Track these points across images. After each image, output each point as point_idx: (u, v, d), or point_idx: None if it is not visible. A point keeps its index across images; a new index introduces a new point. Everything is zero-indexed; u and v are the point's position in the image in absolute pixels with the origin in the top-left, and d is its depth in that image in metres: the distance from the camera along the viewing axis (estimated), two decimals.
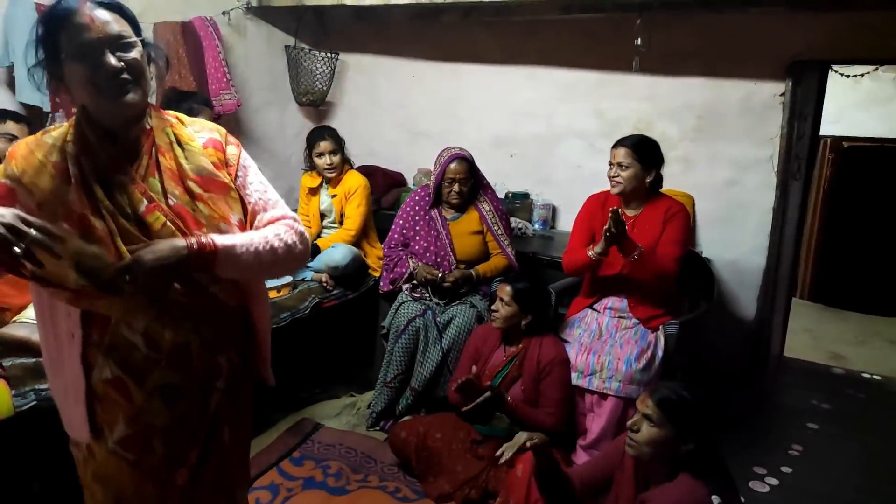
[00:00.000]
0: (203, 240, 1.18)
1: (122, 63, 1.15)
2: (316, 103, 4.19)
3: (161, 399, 1.26)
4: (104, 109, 1.18)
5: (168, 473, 1.30)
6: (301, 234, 1.35)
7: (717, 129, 3.35)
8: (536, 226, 3.73)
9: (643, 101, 3.49)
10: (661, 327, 2.53)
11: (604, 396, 2.43)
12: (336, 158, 3.26)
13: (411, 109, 4.18)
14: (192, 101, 2.89)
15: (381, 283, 3.03)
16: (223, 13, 3.75)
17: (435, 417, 2.61)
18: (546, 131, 3.79)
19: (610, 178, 2.62)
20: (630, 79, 3.44)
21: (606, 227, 2.34)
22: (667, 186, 3.37)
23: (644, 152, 2.58)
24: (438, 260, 2.91)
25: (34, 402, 1.85)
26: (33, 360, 1.94)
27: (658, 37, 3.10)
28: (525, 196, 3.80)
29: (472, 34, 3.84)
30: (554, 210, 3.82)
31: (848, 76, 3.82)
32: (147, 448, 1.27)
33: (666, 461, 1.72)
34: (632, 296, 2.58)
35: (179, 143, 1.28)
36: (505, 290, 2.48)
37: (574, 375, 2.46)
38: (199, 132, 1.33)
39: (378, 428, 2.84)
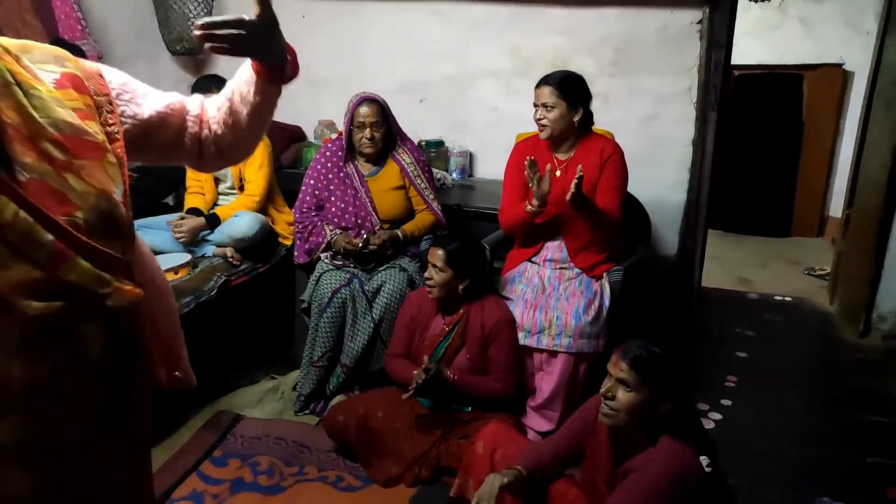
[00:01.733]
0: None
1: None
2: (193, 51, 3.67)
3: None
4: None
5: None
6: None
7: (635, 62, 3.22)
8: (454, 175, 3.51)
9: (559, 35, 3.30)
10: (604, 275, 2.41)
11: (553, 354, 2.29)
12: None
13: (305, 55, 3.62)
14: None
15: (296, 254, 2.71)
16: None
17: (373, 394, 2.38)
18: (457, 72, 3.52)
19: (536, 121, 2.42)
20: (545, 11, 3.23)
21: (528, 175, 2.20)
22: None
23: (569, 89, 2.40)
24: (359, 221, 2.63)
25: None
26: None
27: None
28: (440, 144, 3.54)
29: None
30: (471, 157, 3.60)
31: (754, 0, 3.80)
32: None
33: (643, 425, 1.60)
34: (571, 242, 2.43)
35: (21, 85, 0.82)
36: (437, 255, 2.24)
37: (521, 335, 2.29)
38: (41, 65, 0.88)
39: (308, 412, 2.58)
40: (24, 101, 0.82)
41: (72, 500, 0.91)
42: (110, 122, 0.93)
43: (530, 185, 2.23)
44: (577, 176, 2.11)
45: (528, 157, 2.19)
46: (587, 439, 1.73)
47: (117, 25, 3.50)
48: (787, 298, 3.88)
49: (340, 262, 2.61)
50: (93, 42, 3.15)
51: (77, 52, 2.58)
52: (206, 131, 1.15)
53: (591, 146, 2.46)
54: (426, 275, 2.29)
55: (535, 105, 2.41)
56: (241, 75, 1.11)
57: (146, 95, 1.06)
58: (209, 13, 3.57)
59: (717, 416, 2.60)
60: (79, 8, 3.09)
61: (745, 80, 5.46)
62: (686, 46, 3.11)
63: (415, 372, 2.18)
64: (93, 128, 0.89)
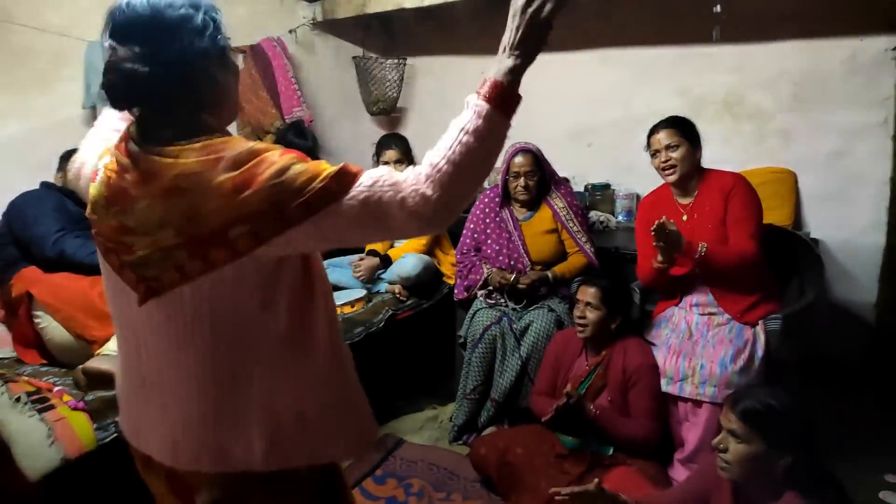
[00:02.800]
0: None
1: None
2: (387, 111, 4.17)
3: None
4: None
5: None
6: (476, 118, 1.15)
7: (818, 96, 2.99)
8: (620, 217, 3.51)
9: (731, 72, 3.19)
10: (760, 322, 2.27)
11: (698, 404, 2.21)
12: (402, 168, 3.19)
13: None
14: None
15: (456, 291, 2.94)
16: (290, 31, 3.81)
17: (516, 431, 2.48)
18: (624, 116, 3.55)
19: (660, 167, 2.43)
20: (714, 50, 3.14)
21: (656, 242, 2.19)
22: (765, 163, 3.12)
23: (687, 128, 2.42)
24: (512, 263, 2.78)
25: (115, 435, 1.91)
26: (112, 392, 2.00)
27: (742, 0, 2.80)
28: (606, 187, 3.58)
29: None
30: (638, 199, 3.56)
31: None
32: None
33: (766, 479, 1.51)
34: (715, 288, 2.34)
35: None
36: (588, 293, 2.30)
37: (664, 381, 2.25)
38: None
39: (461, 442, 2.75)
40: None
41: None
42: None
43: (656, 246, 2.23)
44: (654, 226, 2.14)
45: (656, 222, 2.19)
46: (711, 493, 1.67)
47: (327, 93, 4.12)
48: None
49: (494, 301, 2.77)
50: (306, 108, 3.75)
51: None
52: None
53: (712, 184, 2.41)
54: (577, 313, 2.34)
55: (656, 151, 2.42)
56: None
57: None
58: (401, 78, 4.04)
59: None
60: (296, 81, 3.71)
61: None
62: (879, 76, 2.82)
63: (558, 402, 2.24)
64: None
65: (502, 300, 2.76)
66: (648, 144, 2.47)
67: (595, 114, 3.63)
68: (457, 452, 2.69)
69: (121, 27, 1.02)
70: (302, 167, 0.99)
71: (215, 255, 0.98)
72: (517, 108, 1.06)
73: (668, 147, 2.36)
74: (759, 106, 3.16)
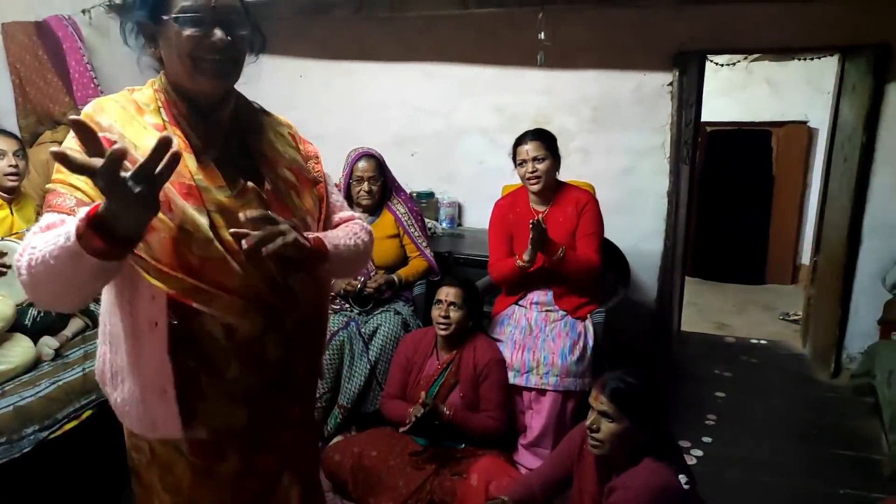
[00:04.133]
0: (316, 236, 1.20)
1: (229, 38, 1.09)
2: None
3: (237, 399, 1.18)
4: (195, 84, 1.11)
5: (242, 483, 1.24)
6: (370, 234, 1.40)
7: (612, 120, 3.47)
8: (444, 224, 3.69)
9: (541, 94, 3.54)
10: (588, 316, 2.57)
11: (542, 392, 2.42)
12: None
13: (301, 112, 3.94)
14: None
15: None
16: (83, 12, 3.36)
17: (368, 434, 2.48)
18: (446, 128, 3.74)
19: (526, 176, 2.59)
20: (527, 73, 3.47)
21: (532, 237, 2.35)
22: (568, 177, 3.45)
23: (551, 142, 2.62)
24: None
25: None
26: None
27: (553, 32, 3.13)
28: (430, 195, 3.73)
29: (364, 30, 3.70)
30: (460, 207, 3.79)
31: (718, 64, 4.09)
32: (222, 458, 1.21)
33: (626, 450, 1.73)
34: (557, 288, 2.59)
35: (271, 129, 1.25)
36: (452, 293, 2.38)
37: (511, 374, 2.43)
38: (281, 125, 1.30)
39: None
40: (272, 139, 1.24)
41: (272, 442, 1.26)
42: (316, 170, 1.31)
43: (531, 244, 2.38)
44: (532, 221, 2.30)
45: (532, 220, 2.35)
46: (575, 466, 1.85)
47: (125, 82, 3.68)
48: (763, 342, 4.05)
49: (339, 306, 2.74)
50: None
51: None
52: None
53: (567, 197, 2.65)
54: (441, 313, 2.39)
55: (523, 161, 2.58)
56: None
57: (329, 185, 1.37)
58: None
59: (699, 453, 2.72)
60: (92, 67, 3.27)
61: (717, 135, 5.77)
62: (659, 106, 3.36)
63: (411, 409, 2.29)
64: (308, 169, 1.28)
65: (347, 305, 2.74)
66: (514, 154, 2.61)
67: (419, 124, 3.77)
68: None
69: None
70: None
71: None
72: (110, 253, 0.94)
73: (534, 159, 2.54)
74: (563, 125, 3.54)
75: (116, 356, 1.19)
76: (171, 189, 1.05)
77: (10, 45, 2.98)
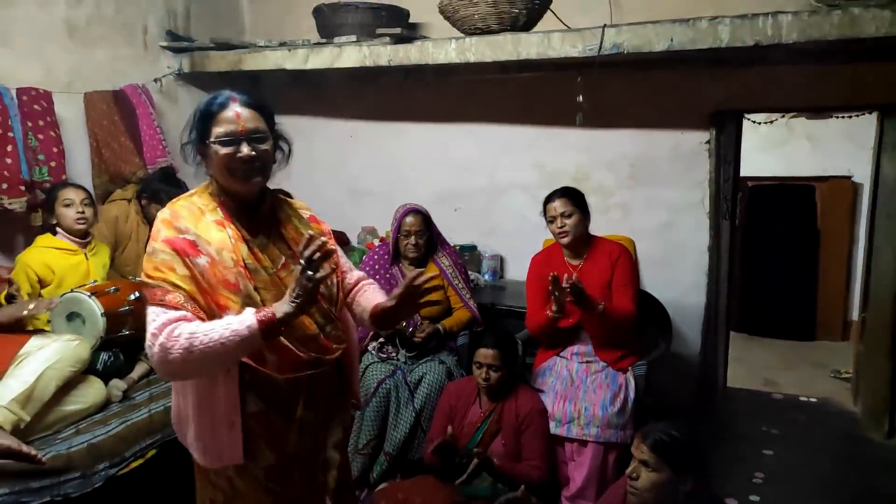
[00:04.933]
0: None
1: (255, 153, 1.43)
2: None
3: (300, 431, 1.52)
4: (233, 187, 1.46)
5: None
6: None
7: (650, 176, 3.55)
8: (486, 276, 3.78)
9: (580, 152, 3.66)
10: (629, 368, 2.60)
11: (583, 443, 2.45)
12: None
13: (351, 168, 4.19)
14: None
15: None
16: (155, 80, 3.67)
17: (413, 482, 2.53)
18: (489, 185, 3.89)
19: (556, 231, 2.70)
20: (567, 132, 3.60)
21: (551, 289, 2.42)
22: (608, 232, 3.54)
23: (578, 198, 2.73)
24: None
25: None
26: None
27: (592, 93, 3.27)
28: (472, 248, 3.85)
29: (411, 94, 3.92)
30: (502, 260, 3.89)
31: (756, 122, 4.17)
32: (289, 479, 1.52)
33: (667, 503, 1.75)
34: (597, 339, 2.64)
35: (295, 217, 1.61)
36: (490, 355, 2.44)
37: (552, 424, 2.47)
38: (301, 209, 1.67)
39: None
40: (298, 224, 1.60)
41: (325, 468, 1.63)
42: (329, 244, 1.54)
43: (552, 297, 2.46)
44: (569, 283, 2.37)
45: (551, 274, 2.43)
46: None
47: None
48: (813, 399, 3.96)
49: (385, 355, 2.83)
50: (170, 158, 3.58)
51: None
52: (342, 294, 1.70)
53: (601, 250, 2.74)
54: (482, 376, 2.45)
55: (553, 217, 2.69)
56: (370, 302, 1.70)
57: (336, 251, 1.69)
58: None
59: None
60: (161, 131, 3.54)
61: (760, 190, 5.77)
62: (697, 163, 3.43)
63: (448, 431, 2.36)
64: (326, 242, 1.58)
65: (394, 353, 2.83)
66: (545, 211, 2.73)
67: (462, 181, 3.93)
68: None
69: None
70: (162, 262, 1.41)
71: None
72: (273, 337, 1.39)
73: (562, 214, 2.64)
74: (602, 182, 3.65)
75: (187, 399, 1.50)
76: (240, 272, 1.43)
77: (91, 112, 3.26)
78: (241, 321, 1.33)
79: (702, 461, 1.76)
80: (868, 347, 3.59)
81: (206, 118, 1.45)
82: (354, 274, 1.78)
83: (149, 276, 1.38)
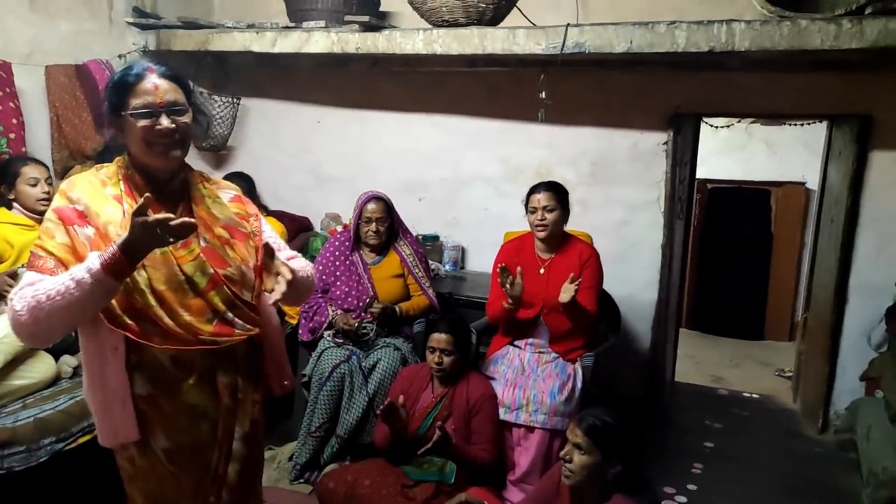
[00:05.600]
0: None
1: (174, 125, 1.39)
2: (216, 148, 4.09)
3: (191, 417, 1.47)
4: (151, 161, 1.42)
5: (204, 493, 1.52)
6: (313, 269, 1.74)
7: (609, 174, 3.65)
8: (447, 266, 3.84)
9: (543, 148, 3.74)
10: (578, 360, 2.68)
11: (530, 430, 2.53)
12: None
13: (317, 155, 4.20)
14: None
15: (301, 332, 2.98)
16: (119, 56, 3.62)
17: (363, 464, 2.58)
18: (453, 176, 3.94)
19: (535, 223, 2.73)
20: (531, 128, 3.67)
21: (500, 281, 2.49)
22: (567, 227, 3.64)
23: (563, 195, 2.77)
24: (360, 304, 2.92)
25: None
26: None
27: (556, 90, 3.33)
28: (435, 238, 3.90)
29: (379, 82, 3.94)
30: (463, 251, 3.95)
31: (715, 127, 4.29)
32: (185, 465, 1.48)
33: (598, 485, 1.84)
34: (554, 333, 2.71)
35: (209, 197, 1.55)
36: (443, 340, 2.49)
37: (501, 410, 2.54)
38: (223, 190, 1.61)
39: (303, 480, 2.76)
40: (211, 205, 1.53)
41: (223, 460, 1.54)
42: (254, 225, 1.60)
43: (503, 287, 2.51)
44: (572, 280, 2.43)
45: (499, 265, 2.50)
46: (552, 500, 1.96)
47: None
48: (756, 395, 4.12)
49: (341, 340, 2.87)
50: None
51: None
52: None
53: (571, 248, 2.79)
54: (435, 359, 2.51)
55: (534, 209, 2.72)
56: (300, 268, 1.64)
57: (264, 231, 1.65)
58: (234, 117, 4.02)
59: (683, 500, 2.80)
60: None
61: (718, 192, 5.94)
62: (654, 163, 3.54)
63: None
64: (244, 224, 1.58)
65: (348, 342, 2.87)
66: (527, 201, 2.75)
67: (427, 171, 3.97)
68: (299, 491, 2.70)
69: None
70: (46, 229, 1.40)
71: None
72: (125, 272, 1.31)
73: (545, 208, 2.68)
74: (563, 178, 3.68)
75: (84, 380, 1.49)
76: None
77: (52, 86, 3.21)
78: (84, 267, 1.27)
79: (631, 446, 1.85)
80: (808, 347, 3.75)
81: (121, 89, 1.39)
82: (287, 253, 1.69)
83: (35, 245, 1.37)
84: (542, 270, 2.74)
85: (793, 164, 5.59)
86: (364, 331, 2.85)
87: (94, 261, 1.27)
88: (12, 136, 2.92)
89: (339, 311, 2.91)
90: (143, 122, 1.36)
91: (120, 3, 3.63)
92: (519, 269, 2.52)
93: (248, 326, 1.51)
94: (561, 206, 2.73)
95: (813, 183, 5.46)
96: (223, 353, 1.49)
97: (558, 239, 2.79)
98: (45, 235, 1.36)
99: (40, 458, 1.96)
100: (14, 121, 2.94)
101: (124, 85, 1.39)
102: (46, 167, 2.81)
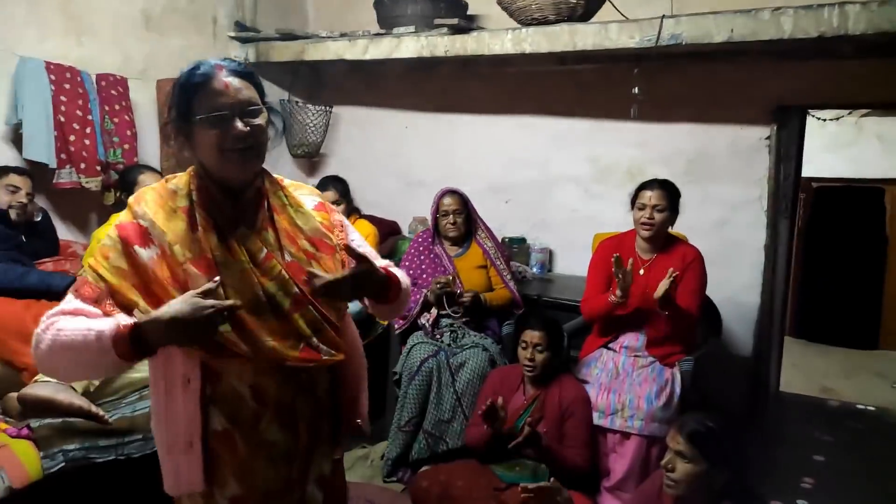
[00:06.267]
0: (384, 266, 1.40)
1: (249, 128, 1.21)
2: (310, 155, 4.24)
3: (268, 459, 1.28)
4: (226, 171, 1.24)
5: None
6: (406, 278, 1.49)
7: (707, 172, 3.49)
8: (534, 269, 3.79)
9: (635, 147, 3.63)
10: (676, 364, 2.58)
11: (626, 436, 2.45)
12: (339, 209, 3.31)
13: (406, 159, 4.26)
14: None
15: (396, 324, 3.05)
16: None
17: (456, 465, 2.57)
18: (540, 177, 3.89)
19: (640, 221, 2.63)
20: (622, 126, 3.57)
21: (614, 271, 2.42)
22: None
23: (675, 195, 2.66)
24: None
25: (62, 464, 1.80)
26: (60, 419, 1.89)
27: (649, 85, 3.23)
28: (522, 241, 3.86)
29: (466, 85, 3.96)
30: (551, 254, 3.89)
31: (822, 119, 4.03)
32: None
33: (703, 495, 1.74)
34: (651, 335, 2.62)
35: (291, 205, 1.36)
36: (536, 336, 2.46)
37: (595, 415, 2.47)
38: (305, 196, 1.42)
39: (395, 479, 2.80)
40: (293, 214, 1.34)
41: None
42: (339, 237, 1.40)
43: (616, 278, 2.44)
44: (671, 275, 2.34)
45: (614, 254, 2.43)
46: None
47: None
48: (871, 408, 3.83)
49: (431, 331, 2.90)
50: None
51: None
52: None
53: (675, 250, 2.68)
54: (527, 355, 2.48)
55: (643, 206, 2.63)
56: None
57: (353, 240, 1.43)
58: (326, 124, 4.16)
59: None
60: None
61: (824, 192, 5.58)
62: (755, 159, 3.36)
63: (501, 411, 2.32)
64: (330, 236, 1.37)
65: (438, 334, 2.89)
66: (636, 196, 2.68)
67: (513, 173, 3.94)
68: (392, 489, 2.73)
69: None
70: (102, 247, 1.23)
71: None
72: (129, 356, 1.14)
73: (654, 206, 2.60)
74: (657, 177, 3.58)
75: (153, 407, 1.31)
76: (191, 268, 1.20)
77: (161, 97, 3.43)
78: (102, 324, 1.12)
79: (738, 454, 1.74)
80: None
81: (189, 91, 1.22)
82: (378, 263, 1.40)
83: (85, 264, 1.26)
84: (641, 271, 2.65)
85: None
86: (464, 300, 2.85)
87: (110, 323, 1.12)
88: (126, 146, 3.14)
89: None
90: (215, 128, 1.19)
91: (223, 18, 3.83)
92: (631, 260, 2.44)
93: (333, 352, 1.29)
94: (671, 207, 2.62)
95: None
96: (304, 386, 1.31)
97: (661, 240, 2.69)
98: (99, 254, 1.20)
99: (155, 447, 2.08)
100: (128, 132, 3.16)
101: (192, 86, 1.21)
102: (161, 175, 2.99)
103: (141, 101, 3.32)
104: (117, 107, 3.12)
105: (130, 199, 1.26)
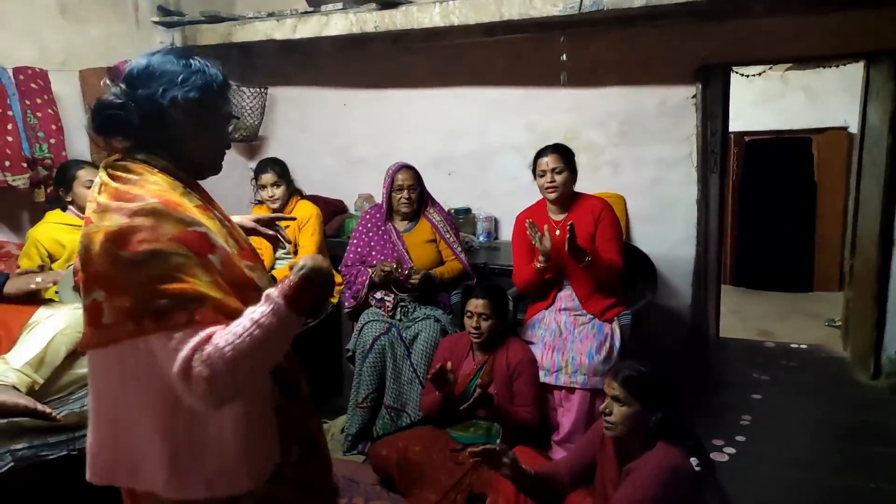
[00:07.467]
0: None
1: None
2: (248, 138, 4.18)
3: (310, 410, 1.35)
4: (218, 162, 1.33)
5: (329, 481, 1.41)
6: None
7: (638, 133, 3.60)
8: (481, 238, 3.86)
9: (569, 112, 3.71)
10: (615, 319, 2.69)
11: (571, 391, 2.56)
12: (278, 191, 3.31)
13: (346, 137, 4.25)
14: None
15: (346, 303, 3.07)
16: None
17: (412, 432, 2.66)
18: (480, 148, 3.94)
19: (544, 186, 2.78)
20: (555, 92, 3.64)
21: (530, 234, 2.53)
22: (599, 189, 3.61)
23: (569, 156, 2.80)
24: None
25: (11, 464, 1.80)
26: (6, 420, 1.88)
27: (578, 52, 3.30)
28: (467, 211, 3.93)
29: (400, 60, 3.96)
30: (496, 222, 3.96)
31: (746, 76, 4.18)
32: (317, 466, 1.35)
33: (640, 434, 1.86)
34: (580, 290, 2.73)
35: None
36: (480, 304, 2.55)
37: (542, 373, 2.58)
38: None
39: (357, 451, 2.86)
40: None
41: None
42: None
43: (534, 244, 2.55)
44: (567, 228, 2.46)
45: (527, 220, 2.54)
46: (597, 454, 1.99)
47: None
48: (804, 346, 4.06)
49: (389, 301, 2.93)
50: None
51: None
52: None
53: (583, 206, 2.82)
54: (473, 324, 2.58)
55: (543, 172, 2.76)
56: None
57: None
58: (262, 106, 4.11)
59: (731, 451, 2.80)
60: None
61: (756, 144, 5.80)
62: (684, 117, 3.48)
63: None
64: None
65: (390, 303, 2.93)
66: (535, 165, 2.81)
67: (454, 145, 3.99)
68: (353, 461, 2.80)
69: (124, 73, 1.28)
70: (176, 268, 1.05)
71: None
72: (310, 310, 1.11)
73: (553, 170, 2.72)
74: (592, 140, 3.70)
75: (208, 424, 1.14)
76: (245, 262, 1.22)
77: (87, 89, 3.33)
78: (258, 307, 1.05)
79: (670, 394, 1.86)
80: (856, 293, 3.67)
81: (223, 89, 1.29)
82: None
83: (157, 293, 1.03)
84: (557, 232, 2.75)
85: (834, 109, 5.42)
86: (411, 283, 2.89)
87: (270, 295, 1.06)
88: (52, 141, 3.05)
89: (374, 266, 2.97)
90: (229, 125, 1.35)
91: (145, 2, 3.72)
92: (546, 226, 2.54)
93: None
94: (569, 167, 2.75)
95: (856, 128, 5.28)
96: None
97: (569, 199, 2.82)
98: (183, 275, 1.04)
99: None
100: (53, 126, 3.07)
101: (227, 86, 1.32)
102: (97, 169, 2.92)
103: (64, 93, 3.21)
104: (39, 101, 3.02)
105: (155, 205, 1.08)
